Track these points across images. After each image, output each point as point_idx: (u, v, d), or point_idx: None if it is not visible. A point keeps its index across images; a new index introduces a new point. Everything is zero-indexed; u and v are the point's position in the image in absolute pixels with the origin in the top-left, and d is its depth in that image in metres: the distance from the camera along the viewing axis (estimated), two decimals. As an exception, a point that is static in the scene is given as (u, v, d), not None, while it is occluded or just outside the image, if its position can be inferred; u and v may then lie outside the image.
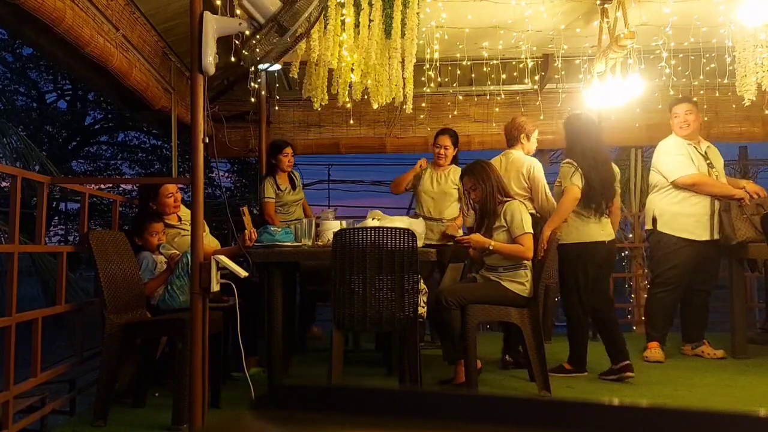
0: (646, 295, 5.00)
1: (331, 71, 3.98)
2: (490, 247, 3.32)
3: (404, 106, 4.04)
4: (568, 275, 3.73)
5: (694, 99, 4.61)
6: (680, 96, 4.57)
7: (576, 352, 3.80)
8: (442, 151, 4.42)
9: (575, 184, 3.61)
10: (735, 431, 0.52)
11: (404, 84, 3.97)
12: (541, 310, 3.41)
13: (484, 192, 3.43)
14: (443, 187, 4.44)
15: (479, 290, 3.38)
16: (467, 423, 0.55)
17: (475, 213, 3.65)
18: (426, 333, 4.61)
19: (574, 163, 3.66)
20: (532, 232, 3.36)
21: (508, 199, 3.43)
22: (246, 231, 3.41)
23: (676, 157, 4.16)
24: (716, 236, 4.13)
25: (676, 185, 4.13)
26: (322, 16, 2.70)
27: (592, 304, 3.69)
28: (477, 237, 3.39)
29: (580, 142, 3.73)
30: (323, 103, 4.10)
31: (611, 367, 3.64)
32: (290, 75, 4.02)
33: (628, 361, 3.57)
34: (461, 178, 3.65)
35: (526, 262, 3.36)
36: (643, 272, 5.83)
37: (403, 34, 3.78)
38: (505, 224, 3.35)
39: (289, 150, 4.71)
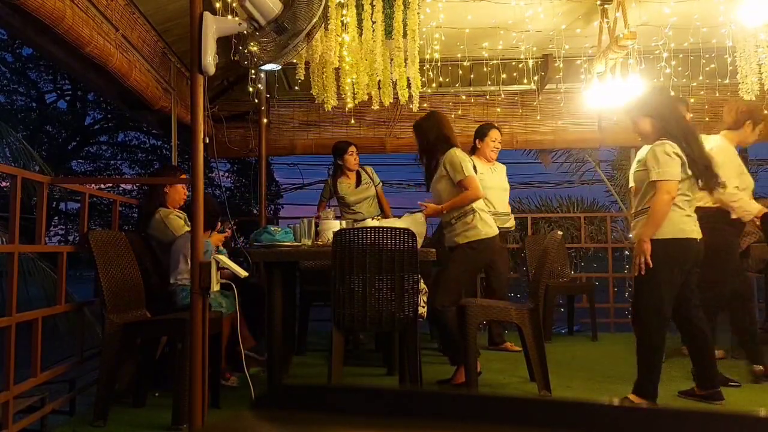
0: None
1: (334, 72, 4.00)
2: (444, 211, 3.38)
3: (410, 105, 4.07)
4: (649, 276, 2.98)
5: (691, 99, 4.59)
6: (679, 96, 4.55)
7: (642, 376, 3.13)
8: (498, 146, 4.49)
9: (671, 176, 2.91)
10: (735, 431, 0.52)
11: (409, 84, 3.98)
12: (541, 310, 3.40)
13: (428, 141, 3.48)
14: (502, 183, 4.51)
15: (451, 271, 3.38)
16: (467, 423, 0.55)
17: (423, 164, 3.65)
18: (424, 332, 4.62)
19: (669, 143, 2.95)
20: (473, 174, 3.37)
21: (451, 147, 3.44)
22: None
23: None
24: None
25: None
26: (323, 17, 2.69)
27: (688, 316, 3.21)
28: (431, 207, 3.44)
29: (672, 118, 3.05)
30: (332, 104, 4.11)
31: (694, 389, 3.22)
32: (296, 77, 4.03)
33: (717, 389, 3.12)
34: (414, 128, 3.67)
35: (473, 205, 3.37)
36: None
37: (405, 35, 3.78)
38: (446, 172, 3.39)
39: (353, 149, 4.77)
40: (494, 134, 4.45)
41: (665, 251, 2.94)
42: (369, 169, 4.90)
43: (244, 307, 3.15)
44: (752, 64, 4.16)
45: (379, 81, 4.04)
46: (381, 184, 4.96)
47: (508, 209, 4.64)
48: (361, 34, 3.83)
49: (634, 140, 5.79)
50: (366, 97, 4.12)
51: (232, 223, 3.73)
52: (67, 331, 4.70)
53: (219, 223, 3.60)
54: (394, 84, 4.03)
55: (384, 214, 4.73)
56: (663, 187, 2.90)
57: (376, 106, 4.22)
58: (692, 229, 3.02)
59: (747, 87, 4.23)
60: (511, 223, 4.66)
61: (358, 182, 4.78)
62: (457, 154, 3.39)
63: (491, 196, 4.31)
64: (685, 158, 2.93)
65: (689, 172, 2.96)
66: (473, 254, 3.37)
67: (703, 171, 2.99)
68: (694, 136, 3.04)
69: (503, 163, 4.70)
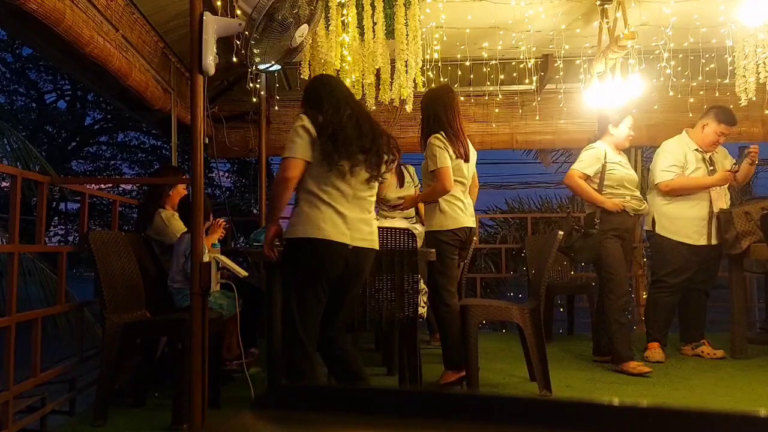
0: (645, 296, 5.00)
1: (335, 72, 4.00)
2: (418, 204, 3.44)
3: (405, 106, 4.06)
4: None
5: (690, 99, 4.60)
6: (720, 106, 4.28)
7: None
8: (632, 134, 4.11)
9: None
10: (735, 431, 0.52)
11: (413, 84, 3.98)
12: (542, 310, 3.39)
13: (424, 122, 3.39)
14: (631, 171, 4.22)
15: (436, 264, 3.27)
16: (467, 423, 0.55)
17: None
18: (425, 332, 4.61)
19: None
20: (446, 165, 3.22)
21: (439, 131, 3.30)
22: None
23: (666, 161, 4.16)
24: (714, 241, 4.12)
25: (658, 189, 4.16)
26: (322, 16, 2.70)
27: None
28: (408, 197, 3.42)
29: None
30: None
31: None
32: (297, 77, 4.04)
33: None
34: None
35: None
36: (643, 272, 5.83)
37: (406, 35, 3.79)
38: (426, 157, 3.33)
39: None
40: (630, 121, 4.03)
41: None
42: (411, 168, 4.68)
43: (243, 307, 3.16)
44: (751, 63, 4.16)
45: (379, 81, 4.05)
46: (420, 185, 4.57)
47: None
48: (361, 34, 3.83)
49: (634, 140, 5.79)
50: (365, 97, 4.12)
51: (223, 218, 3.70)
52: (66, 332, 4.70)
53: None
54: (393, 83, 4.04)
55: (420, 217, 4.42)
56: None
57: (374, 107, 4.22)
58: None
59: (743, 87, 4.24)
60: (646, 205, 4.17)
61: (402, 182, 4.53)
62: (434, 142, 3.25)
63: (627, 184, 3.97)
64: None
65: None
66: (437, 243, 3.27)
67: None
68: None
69: (505, 163, 4.64)
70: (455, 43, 4.68)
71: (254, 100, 5.00)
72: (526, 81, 5.23)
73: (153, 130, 14.22)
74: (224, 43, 2.66)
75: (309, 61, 3.97)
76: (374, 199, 2.58)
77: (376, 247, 2.51)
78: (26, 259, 5.30)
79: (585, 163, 3.98)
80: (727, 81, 4.77)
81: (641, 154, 7.11)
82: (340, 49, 3.85)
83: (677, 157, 4.13)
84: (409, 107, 4.13)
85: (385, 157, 2.50)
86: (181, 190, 3.80)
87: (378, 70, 4.03)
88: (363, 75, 4.00)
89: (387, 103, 4.25)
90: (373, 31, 3.77)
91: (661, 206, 4.18)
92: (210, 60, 2.48)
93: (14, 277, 2.70)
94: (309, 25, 2.63)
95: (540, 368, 3.24)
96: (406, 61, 3.93)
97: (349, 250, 2.39)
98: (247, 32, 2.54)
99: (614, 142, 4.02)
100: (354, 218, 2.42)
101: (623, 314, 3.80)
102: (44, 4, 2.56)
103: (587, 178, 3.94)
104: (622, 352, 3.74)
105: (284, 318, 2.48)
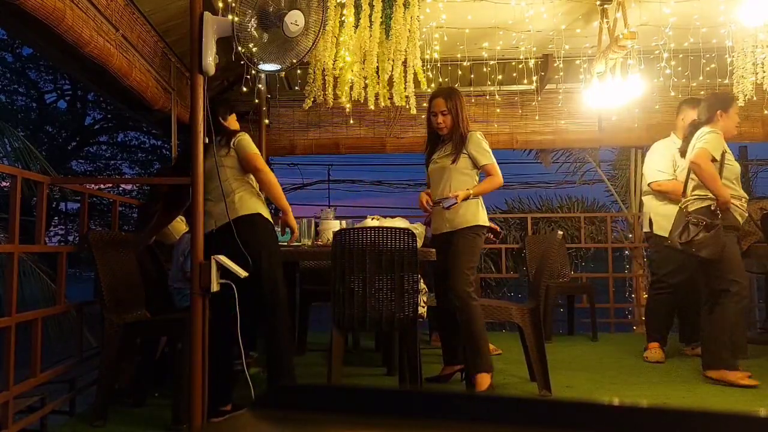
0: (646, 296, 5.00)
1: (332, 71, 3.99)
2: (472, 196, 3.27)
3: (407, 106, 4.05)
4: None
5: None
6: (689, 97, 4.48)
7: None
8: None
9: None
10: (735, 431, 0.52)
11: (405, 85, 3.97)
12: (542, 310, 3.39)
13: (458, 117, 3.33)
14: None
15: (465, 256, 3.25)
16: (467, 423, 0.55)
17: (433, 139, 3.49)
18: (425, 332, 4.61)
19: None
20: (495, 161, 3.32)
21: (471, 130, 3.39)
22: None
23: (658, 163, 4.18)
24: None
25: (652, 189, 4.19)
26: (321, 8, 2.69)
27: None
28: (462, 193, 3.20)
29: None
30: (328, 104, 4.11)
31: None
32: (296, 77, 4.03)
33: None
34: (433, 99, 3.40)
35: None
36: (643, 272, 5.84)
37: (408, 35, 3.78)
38: (465, 152, 3.30)
39: None
40: (737, 107, 3.71)
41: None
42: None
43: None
44: (750, 63, 4.17)
45: (379, 81, 4.05)
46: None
47: None
48: (356, 31, 3.82)
49: (633, 140, 5.81)
50: (364, 98, 4.12)
51: None
52: (57, 337, 4.68)
53: None
54: (392, 83, 4.03)
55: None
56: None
57: (378, 104, 4.21)
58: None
59: (742, 86, 4.24)
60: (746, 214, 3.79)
61: None
62: (483, 138, 3.33)
63: (738, 180, 3.69)
64: None
65: None
66: (477, 239, 3.30)
67: None
68: None
69: (505, 163, 4.59)
70: (455, 43, 4.68)
71: (255, 101, 5.01)
72: (526, 81, 5.24)
73: (153, 130, 14.20)
74: (224, 43, 2.66)
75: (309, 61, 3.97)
76: (232, 183, 2.91)
77: (229, 219, 2.79)
78: (21, 261, 5.30)
79: (713, 145, 3.49)
80: (726, 81, 4.77)
81: (641, 154, 7.11)
82: (339, 50, 3.84)
83: (666, 163, 4.15)
84: (412, 107, 4.13)
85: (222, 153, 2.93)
86: None
87: (377, 70, 4.03)
88: (363, 76, 4.00)
89: (382, 104, 4.24)
90: (370, 30, 3.76)
91: (657, 207, 4.20)
92: (210, 60, 2.48)
93: (14, 277, 2.70)
94: (302, 12, 2.60)
95: (540, 368, 3.23)
96: (405, 61, 3.93)
97: (214, 234, 2.81)
98: (234, 17, 2.52)
99: (722, 130, 3.62)
100: (215, 209, 2.86)
101: (743, 320, 3.66)
102: (44, 4, 2.56)
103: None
104: (727, 359, 3.52)
105: None
